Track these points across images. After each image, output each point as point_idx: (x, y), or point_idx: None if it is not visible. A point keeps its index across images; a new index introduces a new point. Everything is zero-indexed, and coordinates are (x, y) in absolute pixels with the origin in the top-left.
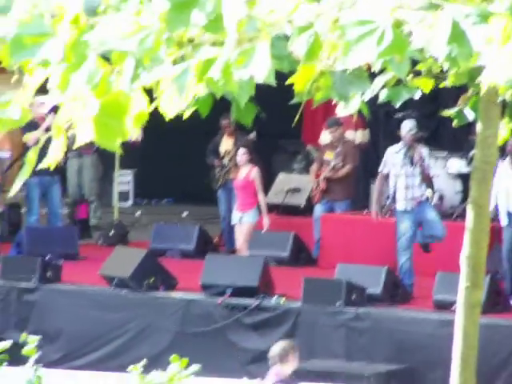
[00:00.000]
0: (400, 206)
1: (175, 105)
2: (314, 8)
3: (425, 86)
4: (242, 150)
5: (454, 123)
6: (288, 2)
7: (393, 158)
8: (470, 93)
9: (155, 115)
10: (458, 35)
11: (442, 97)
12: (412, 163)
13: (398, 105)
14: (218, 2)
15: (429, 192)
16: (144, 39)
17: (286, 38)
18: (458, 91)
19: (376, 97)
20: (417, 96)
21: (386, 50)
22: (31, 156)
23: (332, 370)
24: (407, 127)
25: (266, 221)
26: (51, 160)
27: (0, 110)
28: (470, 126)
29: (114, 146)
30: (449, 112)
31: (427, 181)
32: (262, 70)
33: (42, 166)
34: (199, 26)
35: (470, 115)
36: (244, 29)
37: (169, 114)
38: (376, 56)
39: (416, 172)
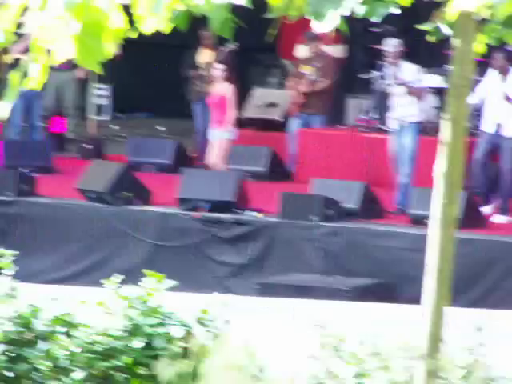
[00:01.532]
0: (390, 124)
1: (152, 21)
2: None
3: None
4: (219, 66)
5: (431, 38)
6: None
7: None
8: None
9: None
10: None
11: (418, 12)
12: (395, 82)
13: (377, 20)
14: None
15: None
16: None
17: None
18: (436, 5)
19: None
20: (395, 11)
21: None
22: (15, 77)
23: (309, 285)
24: (389, 45)
25: (227, 137)
26: (34, 81)
27: None
28: (446, 41)
29: (95, 66)
30: (425, 26)
31: (419, 97)
32: None
33: (24, 86)
34: None
35: (445, 30)
36: None
37: (146, 30)
38: None
39: (402, 91)
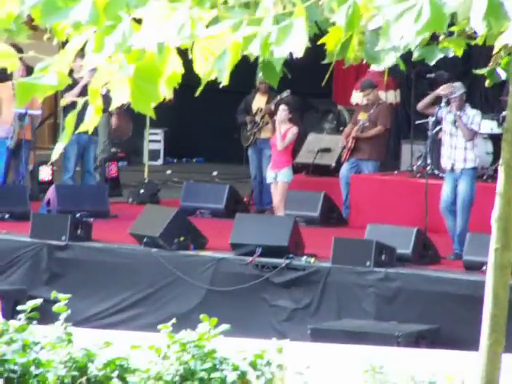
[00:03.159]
0: (442, 163)
1: (211, 71)
2: None
3: (457, 47)
4: (283, 106)
5: (487, 82)
6: None
7: (445, 116)
8: (503, 53)
9: (186, 74)
10: (494, 8)
11: (473, 57)
12: (455, 124)
13: (432, 63)
14: None
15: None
16: (181, 28)
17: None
18: (490, 51)
19: (407, 58)
20: (450, 54)
21: (424, 27)
22: (70, 120)
23: (362, 330)
24: (454, 87)
25: (287, 179)
26: (89, 124)
27: (38, 75)
28: (501, 87)
29: (149, 110)
30: (481, 71)
31: (468, 136)
32: (299, 47)
33: (79, 129)
34: None
35: (502, 74)
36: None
37: (203, 76)
38: (414, 34)
39: (458, 133)
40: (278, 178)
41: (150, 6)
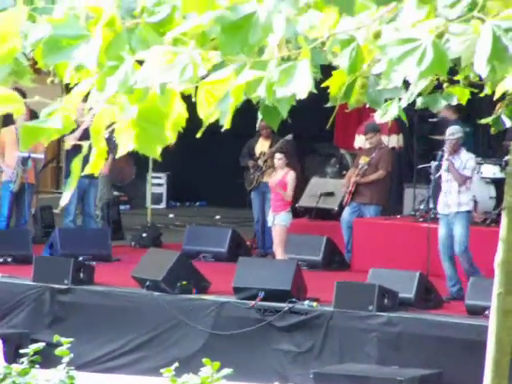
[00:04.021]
0: (438, 208)
1: (213, 113)
2: (355, 21)
3: (461, 95)
4: (278, 155)
5: (492, 130)
6: (327, 17)
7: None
8: (507, 100)
9: (188, 117)
10: (498, 52)
11: (476, 102)
12: (448, 169)
13: (435, 110)
14: (268, 21)
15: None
16: (184, 70)
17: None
18: (493, 96)
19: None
20: (454, 101)
21: (427, 69)
22: (76, 165)
23: (364, 375)
24: (448, 132)
25: (285, 222)
26: (93, 167)
27: (43, 119)
28: (504, 132)
29: (154, 152)
30: (486, 119)
31: (460, 181)
32: (303, 88)
33: (84, 172)
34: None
35: (507, 122)
36: (283, 44)
37: (207, 120)
38: (417, 76)
39: (451, 178)
40: (275, 221)
41: (153, 49)
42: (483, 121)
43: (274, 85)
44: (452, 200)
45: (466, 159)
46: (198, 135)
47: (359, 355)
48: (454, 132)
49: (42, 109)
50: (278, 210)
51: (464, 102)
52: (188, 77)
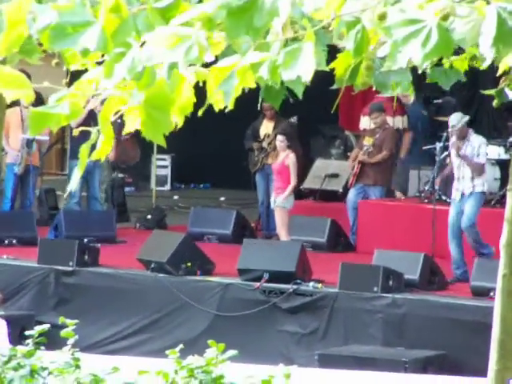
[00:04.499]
0: (452, 195)
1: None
2: (360, 3)
3: (460, 66)
4: (280, 137)
5: (494, 102)
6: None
7: (451, 147)
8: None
9: (196, 105)
10: (504, 34)
11: (480, 83)
12: (460, 155)
13: (447, 88)
14: (274, 5)
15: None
16: (189, 49)
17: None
18: (497, 76)
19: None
20: (463, 78)
21: (431, 51)
22: (84, 150)
23: (369, 356)
24: (451, 123)
25: (283, 205)
26: (100, 152)
27: (52, 105)
28: (509, 113)
29: (160, 139)
30: (489, 91)
31: (476, 171)
32: (307, 71)
33: (91, 158)
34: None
35: (510, 94)
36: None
37: (217, 107)
38: (421, 58)
39: (463, 164)
40: (277, 203)
41: (158, 30)
42: (487, 92)
43: (279, 67)
44: (466, 185)
45: (478, 145)
46: (200, 114)
47: (364, 336)
48: (455, 123)
49: (47, 92)
50: (279, 192)
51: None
52: (193, 57)
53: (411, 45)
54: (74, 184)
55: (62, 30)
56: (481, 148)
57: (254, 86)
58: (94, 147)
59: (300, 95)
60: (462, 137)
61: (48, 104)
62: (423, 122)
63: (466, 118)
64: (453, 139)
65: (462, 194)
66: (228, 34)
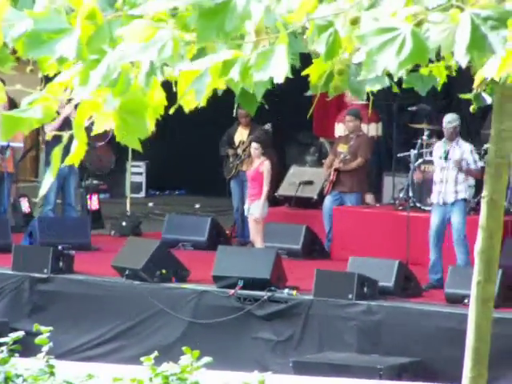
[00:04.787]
0: (432, 198)
1: (193, 100)
2: (333, 7)
3: (439, 73)
4: (254, 145)
5: (472, 108)
6: (306, 2)
7: (435, 151)
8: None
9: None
10: (478, 41)
11: (455, 91)
12: (446, 158)
13: (423, 93)
14: (246, 9)
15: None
16: (163, 48)
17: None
18: (471, 84)
19: (388, 91)
20: (438, 86)
21: (406, 59)
22: (57, 153)
23: (344, 363)
24: (446, 119)
25: (259, 213)
26: (74, 157)
27: (24, 109)
28: (483, 120)
29: (135, 143)
30: (466, 95)
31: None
32: (280, 72)
33: (65, 163)
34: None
35: (488, 99)
36: (262, 29)
37: (187, 107)
38: (397, 66)
39: (449, 166)
40: (250, 210)
41: (133, 24)
42: (463, 96)
43: (251, 68)
44: (449, 189)
45: (467, 149)
46: (171, 111)
47: (339, 344)
48: (450, 120)
49: (21, 97)
50: (253, 199)
51: (443, 79)
52: (167, 55)
53: (386, 53)
54: (45, 188)
55: (37, 38)
56: (473, 154)
57: (224, 87)
58: (67, 153)
59: (259, 98)
60: (452, 138)
61: (20, 108)
62: None
63: (458, 120)
64: (437, 144)
65: (444, 202)
66: (199, 35)
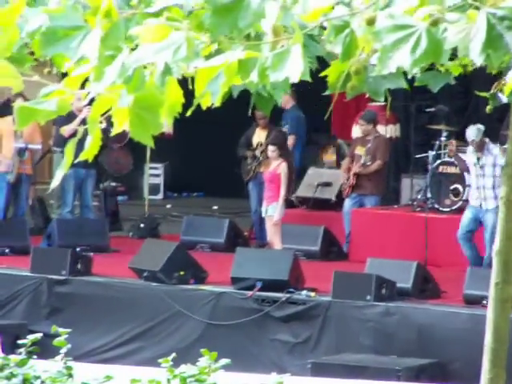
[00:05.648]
0: (470, 202)
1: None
2: (349, 7)
3: (454, 70)
4: (271, 147)
5: (488, 107)
6: (322, 2)
7: (468, 157)
8: (504, 80)
9: (185, 108)
10: (494, 40)
11: (472, 92)
12: (480, 165)
13: (435, 90)
14: (260, 7)
15: None
16: (177, 49)
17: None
18: (490, 85)
19: (406, 92)
20: (452, 81)
21: (420, 57)
22: (70, 148)
23: (362, 365)
24: (469, 136)
25: (277, 215)
26: (88, 153)
27: (39, 101)
28: (501, 121)
29: (148, 140)
30: (483, 93)
31: None
32: (296, 72)
33: (79, 158)
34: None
35: (503, 98)
36: (281, 30)
37: (205, 104)
38: (411, 63)
39: (485, 173)
40: (268, 212)
41: (147, 23)
42: (480, 94)
43: (268, 69)
44: (488, 194)
45: (500, 154)
46: (189, 113)
47: (357, 345)
48: (474, 137)
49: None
50: (271, 201)
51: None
52: (181, 56)
53: (401, 50)
54: (56, 181)
55: (53, 35)
56: (501, 158)
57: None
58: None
59: (279, 101)
60: (481, 149)
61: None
62: (302, 124)
63: (482, 129)
64: (469, 149)
65: (482, 204)
66: (211, 31)
